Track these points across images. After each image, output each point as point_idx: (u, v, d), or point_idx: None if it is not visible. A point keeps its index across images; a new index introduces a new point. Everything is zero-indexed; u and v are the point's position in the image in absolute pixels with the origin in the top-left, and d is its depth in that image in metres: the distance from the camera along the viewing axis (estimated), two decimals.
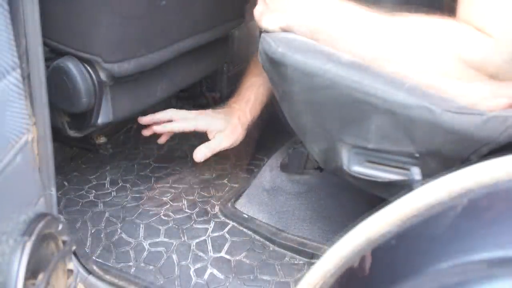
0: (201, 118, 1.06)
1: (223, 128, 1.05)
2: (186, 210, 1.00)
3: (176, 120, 1.06)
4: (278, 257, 0.89)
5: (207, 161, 1.06)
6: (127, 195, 1.04)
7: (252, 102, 1.10)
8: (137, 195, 1.04)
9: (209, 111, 1.09)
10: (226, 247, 0.91)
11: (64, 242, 0.58)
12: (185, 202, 1.03)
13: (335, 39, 0.64)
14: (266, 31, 0.71)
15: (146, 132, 1.06)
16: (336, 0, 0.66)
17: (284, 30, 0.70)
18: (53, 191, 0.74)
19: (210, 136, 1.06)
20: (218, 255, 0.89)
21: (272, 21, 0.71)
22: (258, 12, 0.74)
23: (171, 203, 1.02)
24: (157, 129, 1.04)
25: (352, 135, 0.64)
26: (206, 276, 0.85)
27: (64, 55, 0.83)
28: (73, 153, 1.15)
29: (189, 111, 1.09)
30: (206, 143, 1.04)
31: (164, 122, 1.06)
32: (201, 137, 1.20)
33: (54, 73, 0.83)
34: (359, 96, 0.60)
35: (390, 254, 0.47)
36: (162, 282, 0.85)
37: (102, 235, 0.93)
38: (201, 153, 1.04)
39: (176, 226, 0.95)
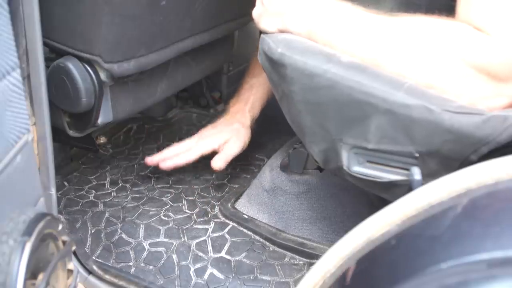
0: (203, 142, 1.04)
1: (225, 138, 1.04)
2: (186, 211, 1.00)
3: (181, 153, 1.04)
4: (278, 257, 0.89)
5: (207, 161, 1.05)
6: (127, 195, 1.04)
7: (251, 102, 1.10)
8: (137, 196, 1.04)
9: (209, 129, 1.08)
10: (226, 247, 0.91)
11: (64, 242, 0.57)
12: (185, 202, 1.03)
13: (334, 40, 0.64)
14: (265, 33, 0.72)
15: (150, 164, 1.05)
16: (333, 1, 0.66)
17: (282, 32, 0.70)
18: (53, 191, 0.74)
19: (219, 151, 1.04)
20: (218, 255, 0.89)
21: (270, 23, 0.71)
22: (257, 14, 0.74)
23: (171, 203, 1.02)
24: (163, 166, 1.02)
25: (352, 135, 0.64)
26: (206, 276, 0.85)
27: (64, 55, 0.83)
28: (73, 153, 1.15)
29: (191, 139, 1.07)
30: (218, 154, 1.02)
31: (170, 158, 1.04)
32: None
33: (54, 73, 0.83)
34: (359, 96, 0.60)
35: (390, 254, 0.47)
36: (162, 282, 0.85)
37: (102, 235, 0.93)
38: (218, 162, 1.01)
39: (176, 227, 0.95)
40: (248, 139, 1.06)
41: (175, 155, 1.04)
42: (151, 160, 1.04)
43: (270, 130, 1.14)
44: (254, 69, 1.14)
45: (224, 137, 1.04)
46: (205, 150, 1.03)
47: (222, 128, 1.06)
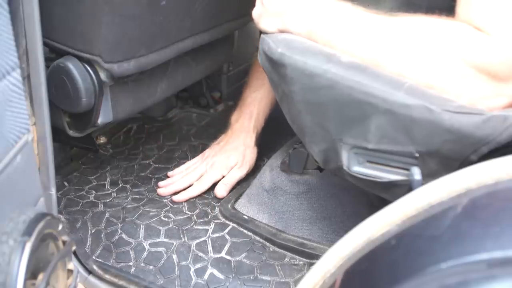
0: (213, 172, 1.05)
1: (233, 163, 1.06)
2: (186, 211, 1.00)
3: (193, 184, 1.05)
4: (278, 258, 0.89)
5: None
6: (127, 196, 1.04)
7: (255, 117, 1.10)
8: (138, 196, 1.04)
9: (215, 151, 1.09)
10: (226, 248, 0.91)
11: (64, 242, 0.57)
12: (185, 203, 1.02)
13: (334, 40, 0.64)
14: (265, 33, 0.72)
15: (163, 195, 1.05)
16: (333, 1, 0.66)
17: (282, 32, 0.70)
18: (53, 191, 0.74)
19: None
20: (218, 255, 0.89)
21: (270, 23, 0.71)
22: (257, 14, 0.74)
23: (171, 204, 1.02)
24: (177, 199, 1.03)
25: (352, 135, 0.64)
26: (206, 276, 0.85)
27: (64, 55, 0.83)
28: (73, 153, 1.15)
29: (199, 163, 1.08)
30: (223, 180, 1.04)
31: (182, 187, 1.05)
32: (201, 138, 1.20)
33: (54, 73, 0.83)
34: (359, 96, 0.60)
35: (390, 254, 0.47)
36: (162, 282, 0.85)
37: (102, 235, 0.93)
38: (222, 190, 1.03)
39: (176, 227, 0.95)
40: (254, 161, 1.09)
41: (188, 185, 1.04)
42: (163, 191, 1.04)
43: (270, 130, 1.14)
44: (255, 82, 1.13)
45: (231, 163, 1.06)
46: (216, 178, 1.05)
47: (230, 154, 1.07)
